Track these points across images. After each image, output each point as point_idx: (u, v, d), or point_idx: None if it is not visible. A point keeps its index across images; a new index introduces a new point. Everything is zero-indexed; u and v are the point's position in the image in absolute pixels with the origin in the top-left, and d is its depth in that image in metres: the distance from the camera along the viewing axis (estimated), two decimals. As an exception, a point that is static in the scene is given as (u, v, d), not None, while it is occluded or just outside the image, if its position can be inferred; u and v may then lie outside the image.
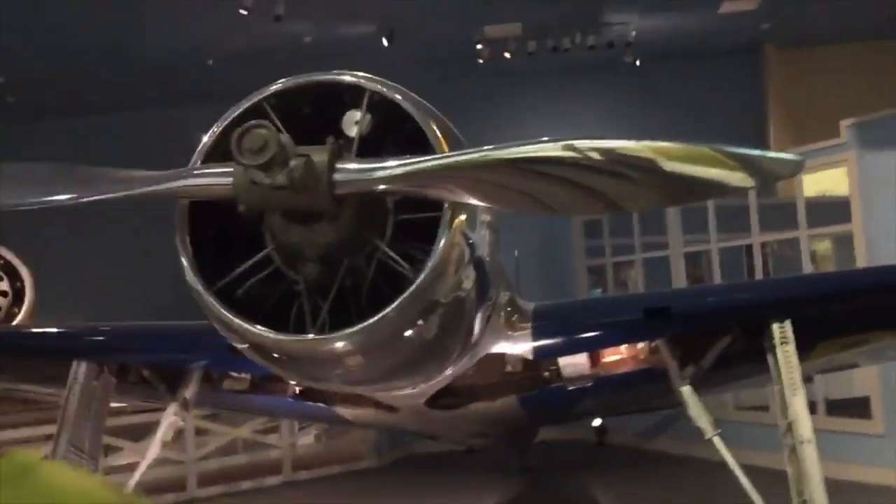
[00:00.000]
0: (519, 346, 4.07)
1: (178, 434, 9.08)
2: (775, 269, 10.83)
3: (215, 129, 2.82)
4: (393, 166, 2.49)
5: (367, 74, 2.95)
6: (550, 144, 2.36)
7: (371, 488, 9.64)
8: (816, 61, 16.71)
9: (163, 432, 4.57)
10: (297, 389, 4.69)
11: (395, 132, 2.82)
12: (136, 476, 4.57)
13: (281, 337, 2.72)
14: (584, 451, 10.65)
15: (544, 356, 4.21)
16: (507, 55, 15.04)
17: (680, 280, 9.90)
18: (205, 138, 2.86)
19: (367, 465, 10.46)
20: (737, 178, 2.17)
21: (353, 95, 2.80)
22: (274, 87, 2.85)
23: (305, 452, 10.32)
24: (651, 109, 16.05)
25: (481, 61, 15.12)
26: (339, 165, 2.52)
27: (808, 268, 8.74)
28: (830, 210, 9.72)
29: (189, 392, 4.63)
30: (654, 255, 10.46)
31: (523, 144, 2.39)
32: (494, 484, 9.19)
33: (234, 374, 4.80)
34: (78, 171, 2.79)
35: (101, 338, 4.83)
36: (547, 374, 4.46)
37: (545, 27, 14.89)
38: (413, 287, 2.64)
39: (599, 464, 9.95)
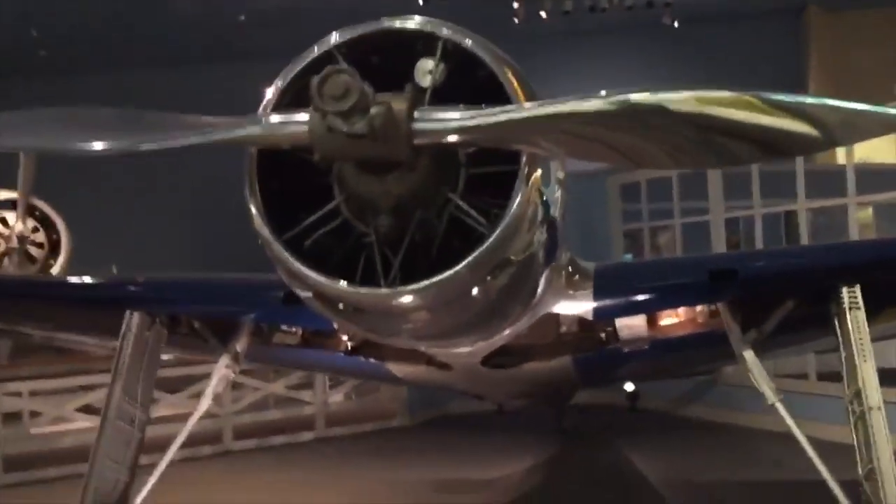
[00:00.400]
0: (579, 306, 4.00)
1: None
2: (815, 237, 10.68)
3: (283, 79, 2.72)
4: (472, 116, 2.40)
5: (439, 21, 2.84)
6: (633, 95, 2.26)
7: (403, 447, 9.67)
8: (858, 26, 16.33)
9: (215, 384, 4.55)
10: (350, 345, 4.65)
11: (467, 81, 2.71)
12: (189, 426, 4.56)
13: (355, 289, 2.65)
14: (617, 415, 10.61)
15: (604, 317, 4.14)
16: (544, 14, 14.78)
17: (720, 247, 9.76)
18: (272, 87, 2.77)
19: (399, 423, 10.49)
20: (826, 133, 2.05)
21: (425, 43, 2.68)
22: (344, 34, 2.73)
23: (338, 409, 10.36)
24: (689, 71, 15.72)
25: (517, 20, 14.88)
26: (417, 114, 2.42)
27: (854, 236, 8.57)
28: (872, 178, 9.53)
29: (240, 345, 4.60)
30: (694, 219, 10.30)
31: (608, 96, 2.30)
32: (528, 445, 9.17)
33: (286, 328, 4.76)
34: (146, 116, 2.72)
35: (154, 289, 4.80)
36: (603, 335, 4.39)
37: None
38: (487, 242, 2.56)
39: (633, 429, 9.91)
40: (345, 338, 4.65)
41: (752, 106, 2.13)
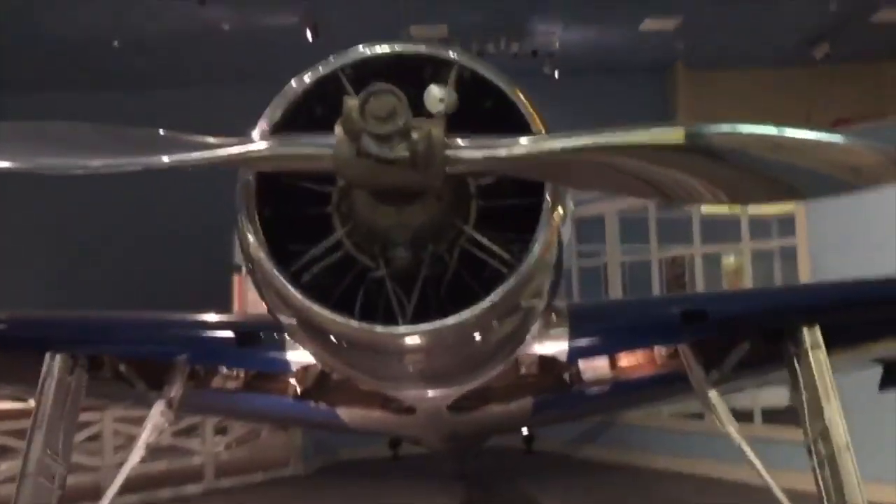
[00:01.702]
0: (554, 346, 3.91)
1: (95, 437, 8.58)
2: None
3: (284, 98, 2.51)
4: (507, 146, 2.27)
5: (452, 48, 2.72)
6: (673, 129, 2.20)
7: (298, 496, 9.23)
8: (723, 83, 17.42)
9: (147, 434, 4.14)
10: (299, 389, 4.35)
11: (474, 108, 2.58)
12: (119, 482, 4.12)
13: (370, 328, 2.44)
14: (513, 458, 10.54)
15: (578, 357, 4.06)
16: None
17: (617, 289, 9.98)
18: (271, 107, 2.55)
19: (293, 471, 10.03)
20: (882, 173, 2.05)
21: (434, 69, 2.55)
22: (351, 56, 2.56)
23: (229, 458, 9.78)
24: (566, 119, 16.14)
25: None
26: (451, 141, 2.27)
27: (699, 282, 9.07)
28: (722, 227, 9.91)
29: (174, 390, 4.22)
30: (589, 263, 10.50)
31: (640, 129, 2.23)
32: (430, 492, 8.96)
33: (225, 370, 4.41)
34: (135, 133, 2.43)
35: (77, 328, 4.33)
36: (567, 376, 4.31)
37: (471, 31, 14.87)
38: (511, 281, 2.43)
39: (533, 471, 9.87)
40: (293, 381, 4.36)
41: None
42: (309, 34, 14.11)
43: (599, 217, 10.03)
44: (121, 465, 8.56)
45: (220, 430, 9.79)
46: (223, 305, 12.18)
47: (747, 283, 9.02)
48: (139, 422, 8.84)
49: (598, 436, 10.39)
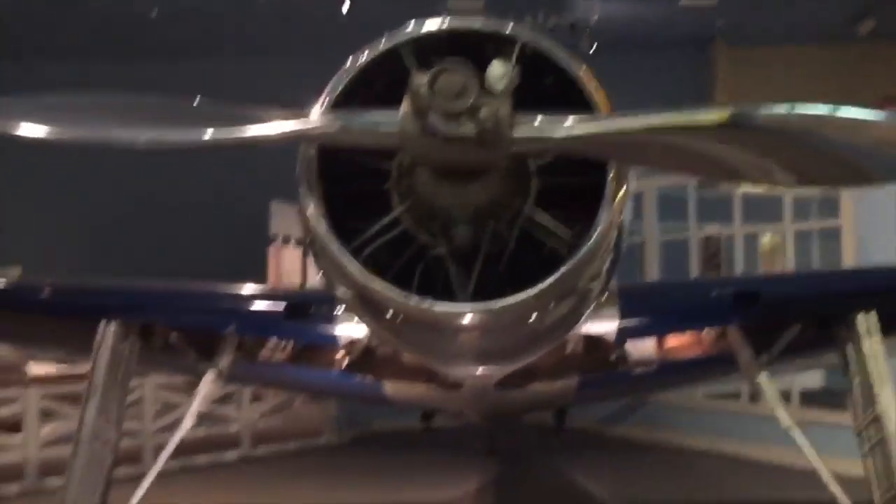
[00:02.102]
0: (603, 326, 3.90)
1: (136, 403, 8.72)
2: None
3: (346, 74, 2.50)
4: (574, 125, 2.25)
5: (515, 23, 2.69)
6: (722, 109, 2.18)
7: (334, 466, 9.34)
8: (764, 61, 17.10)
9: (199, 402, 4.20)
10: (345, 362, 4.38)
11: (535, 85, 2.56)
12: (168, 451, 4.18)
13: (431, 305, 2.45)
14: (544, 435, 10.54)
15: (627, 338, 4.05)
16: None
17: (654, 269, 9.91)
18: (332, 82, 2.54)
19: (327, 441, 10.14)
20: None
21: (497, 45, 2.52)
22: (411, 32, 2.53)
23: (264, 426, 9.90)
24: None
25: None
26: (518, 120, 2.24)
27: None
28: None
29: (224, 360, 4.27)
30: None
31: (702, 111, 2.21)
32: (461, 466, 9.03)
33: (274, 342, 4.45)
34: (197, 106, 2.43)
35: (130, 297, 4.39)
36: (613, 356, 4.30)
37: (509, 3, 14.69)
38: (572, 261, 2.41)
39: (565, 449, 9.86)
40: (339, 355, 4.39)
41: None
42: (345, 5, 14.05)
43: (637, 194, 9.93)
44: (160, 430, 8.81)
45: (256, 399, 9.91)
46: (258, 276, 12.27)
47: (787, 264, 8.93)
48: (179, 388, 9.05)
49: (631, 414, 10.37)
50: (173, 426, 9.06)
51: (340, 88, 2.47)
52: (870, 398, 3.85)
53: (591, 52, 16.02)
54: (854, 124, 2.03)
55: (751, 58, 17.29)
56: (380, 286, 2.45)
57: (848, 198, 8.01)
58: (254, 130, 2.33)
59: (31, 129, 2.26)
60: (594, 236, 2.39)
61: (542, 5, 15.10)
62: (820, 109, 2.08)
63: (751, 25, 16.11)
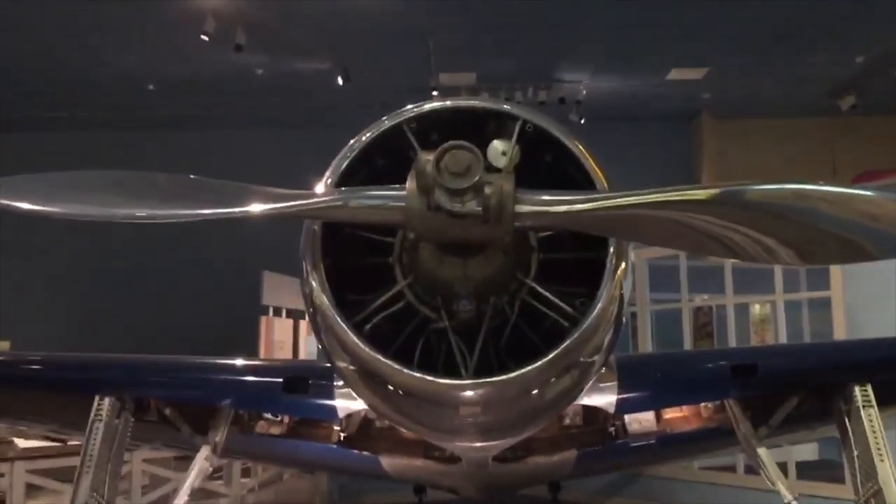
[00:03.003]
0: (602, 399, 3.90)
1: (124, 477, 8.55)
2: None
3: (351, 151, 2.56)
4: (576, 200, 2.29)
5: (515, 103, 2.77)
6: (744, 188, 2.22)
7: (325, 542, 9.13)
8: (748, 133, 17.48)
9: (193, 478, 4.13)
10: (342, 435, 4.35)
11: (538, 163, 2.62)
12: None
13: (434, 380, 2.45)
14: (539, 507, 10.42)
15: (626, 410, 4.04)
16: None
17: (647, 339, 9.91)
18: (338, 159, 2.59)
19: (319, 516, 9.92)
20: None
21: (497, 124, 2.59)
22: (415, 109, 2.61)
23: (255, 501, 9.71)
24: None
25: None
26: (521, 196, 2.29)
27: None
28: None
29: (219, 435, 4.23)
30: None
31: (700, 188, 2.26)
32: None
33: (269, 416, 4.42)
34: (203, 183, 2.48)
35: (125, 371, 4.37)
36: (612, 429, 4.29)
37: (499, 79, 15.05)
38: (574, 335, 2.43)
39: (561, 521, 9.72)
40: (337, 428, 4.36)
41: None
42: (340, 79, 14.34)
43: (629, 265, 9.98)
44: (147, 505, 8.62)
45: (246, 473, 9.74)
46: (249, 347, 12.21)
47: (779, 334, 8.94)
48: (166, 463, 8.90)
49: (626, 486, 10.23)
50: (161, 501, 8.96)
51: (345, 165, 2.52)
52: (870, 470, 3.83)
53: (580, 124, 16.37)
54: (845, 200, 2.08)
55: (736, 130, 17.67)
56: (382, 360, 2.45)
57: (836, 269, 8.07)
58: (259, 207, 2.37)
59: (37, 207, 2.29)
60: (596, 310, 2.41)
61: (531, 80, 15.47)
62: (811, 185, 2.13)
63: (736, 99, 16.53)
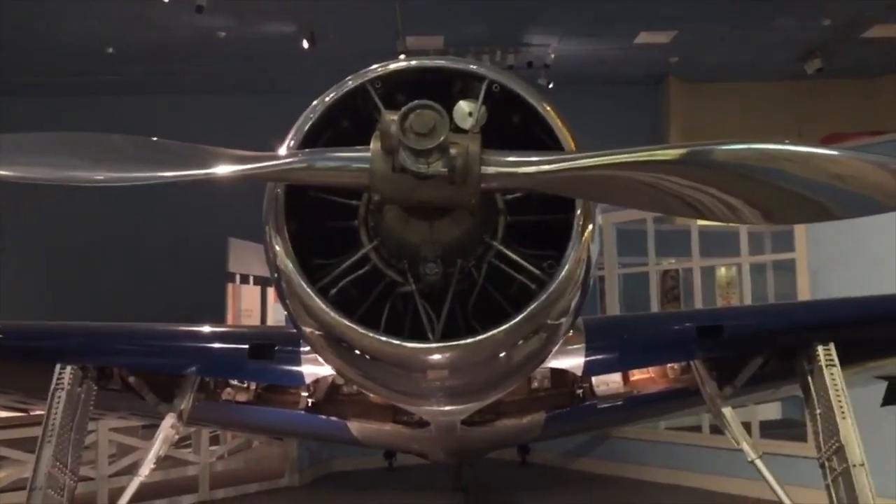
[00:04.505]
0: (570, 361, 3.91)
1: (90, 447, 8.49)
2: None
3: (314, 112, 2.51)
4: (543, 161, 2.27)
5: (483, 62, 2.72)
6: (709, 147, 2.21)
7: (295, 509, 9.17)
8: (716, 96, 17.53)
9: (158, 447, 4.10)
10: (310, 402, 4.33)
11: (502, 124, 2.58)
12: (129, 493, 4.07)
13: (401, 343, 2.43)
14: (509, 470, 10.52)
15: (593, 373, 4.06)
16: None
17: (614, 302, 9.99)
18: (301, 120, 2.54)
19: (288, 482, 9.95)
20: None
21: (464, 84, 2.54)
22: (380, 69, 2.55)
23: (224, 469, 9.69)
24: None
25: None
26: (487, 157, 2.26)
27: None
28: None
29: (185, 402, 4.19)
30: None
31: (674, 147, 2.25)
32: (423, 503, 8.93)
33: (236, 383, 4.38)
34: (166, 145, 2.40)
35: (87, 338, 4.29)
36: (580, 391, 4.31)
37: (467, 43, 14.90)
38: (542, 297, 2.42)
39: (530, 484, 9.84)
40: (304, 394, 4.33)
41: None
42: (305, 43, 14.11)
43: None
44: (115, 475, 8.56)
45: (214, 441, 9.72)
46: (217, 315, 12.12)
47: (745, 296, 9.05)
48: (133, 431, 8.83)
49: (594, 448, 10.37)
50: (129, 470, 8.90)
51: (308, 127, 2.47)
52: (832, 428, 3.89)
53: (548, 88, 16.31)
54: (811, 159, 2.07)
55: (704, 93, 17.69)
56: (348, 324, 2.43)
57: (801, 231, 8.16)
58: (220, 169, 2.31)
59: None
60: (563, 272, 2.40)
61: (500, 44, 15.35)
62: (776, 145, 2.12)
63: (704, 62, 16.54)
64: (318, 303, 2.42)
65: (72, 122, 2.32)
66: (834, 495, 3.90)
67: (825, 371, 3.96)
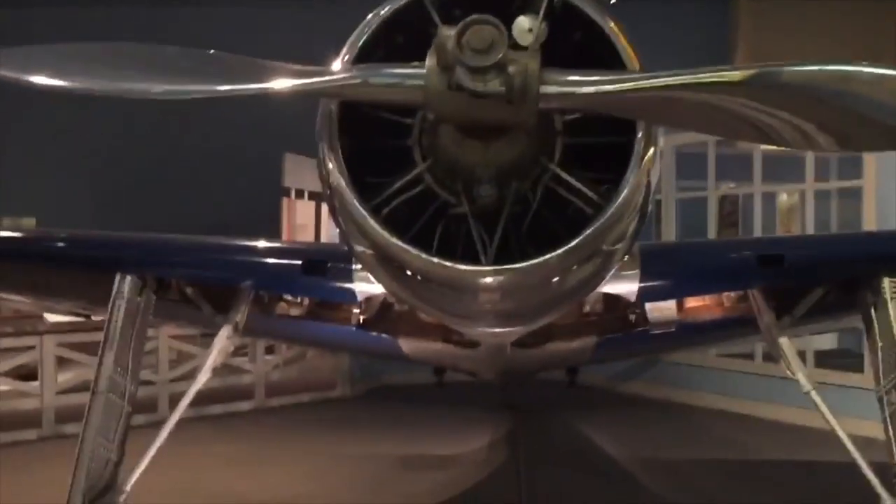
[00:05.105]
0: (624, 287, 3.86)
1: (151, 352, 8.78)
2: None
3: (369, 26, 2.42)
4: (604, 81, 2.17)
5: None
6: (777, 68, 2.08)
7: (348, 419, 9.41)
8: (785, 15, 16.78)
9: (214, 357, 4.19)
10: (361, 318, 4.37)
11: (568, 42, 2.47)
12: (183, 405, 4.21)
13: (453, 266, 2.39)
14: (557, 390, 10.56)
15: (649, 299, 4.01)
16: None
17: (671, 228, 9.83)
18: (354, 36, 2.46)
19: (341, 393, 10.22)
20: None
21: (525, 0, 2.42)
22: None
23: (277, 378, 9.97)
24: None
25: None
26: (546, 76, 2.16)
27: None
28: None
29: (240, 315, 4.26)
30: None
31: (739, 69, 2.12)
32: (476, 421, 9.09)
33: (290, 297, 4.44)
34: (217, 57, 2.36)
35: (146, 250, 4.38)
36: (633, 317, 4.27)
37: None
38: (597, 224, 2.35)
39: (578, 405, 9.90)
40: (356, 311, 4.37)
41: None
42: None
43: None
44: (175, 380, 8.87)
45: (270, 351, 9.97)
46: (272, 229, 12.26)
47: (807, 224, 8.81)
48: (192, 340, 9.10)
49: (643, 372, 10.38)
50: (188, 376, 9.21)
51: (362, 41, 2.40)
52: (893, 363, 3.80)
53: (611, 4, 15.81)
54: (887, 81, 1.95)
55: (772, 11, 16.96)
56: (400, 245, 2.40)
57: (871, 158, 7.86)
58: (275, 84, 2.27)
59: (42, 80, 2.20)
60: (621, 197, 2.33)
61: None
62: (851, 66, 2.00)
63: (774, -22, 15.80)
64: (370, 222, 2.39)
65: (100, 35, 2.28)
66: (892, 429, 3.84)
67: (890, 304, 3.84)
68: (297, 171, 12.52)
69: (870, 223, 7.86)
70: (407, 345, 4.46)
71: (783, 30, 16.65)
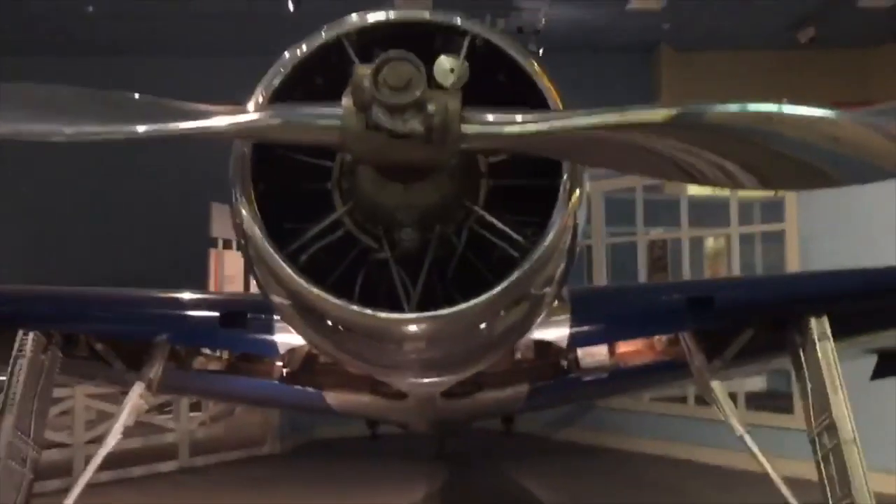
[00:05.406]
0: (555, 333, 3.78)
1: (66, 413, 8.35)
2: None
3: (284, 67, 2.32)
4: (527, 121, 2.10)
5: (463, 15, 2.53)
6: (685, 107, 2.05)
7: (274, 475, 9.07)
8: (707, 65, 17.31)
9: (125, 416, 3.95)
10: (284, 371, 4.19)
11: (488, 82, 2.41)
12: (93, 467, 3.94)
13: (374, 314, 2.27)
14: (492, 439, 10.43)
15: (579, 344, 3.93)
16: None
17: (602, 272, 9.86)
18: (269, 76, 2.35)
19: (270, 450, 9.87)
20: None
21: (445, 38, 2.37)
22: (355, 22, 2.36)
23: (204, 436, 9.58)
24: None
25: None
26: (468, 116, 2.09)
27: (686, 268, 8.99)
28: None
29: (154, 371, 4.04)
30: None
31: (663, 108, 2.08)
32: (410, 472, 8.87)
33: (208, 351, 4.23)
34: (128, 99, 2.20)
35: (52, 304, 4.13)
36: (565, 363, 4.19)
37: (456, 6, 14.56)
38: (525, 265, 2.27)
39: (514, 453, 9.75)
40: (278, 363, 4.19)
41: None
42: (290, 4, 13.78)
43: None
44: (92, 441, 8.43)
45: (195, 408, 9.59)
46: (199, 281, 11.93)
47: (733, 267, 8.94)
48: (111, 398, 8.68)
49: (578, 418, 10.32)
50: (106, 437, 8.78)
51: (278, 82, 2.29)
52: (823, 403, 3.78)
53: (538, 54, 16.09)
54: (807, 122, 1.92)
55: (695, 62, 17.48)
56: (319, 293, 2.28)
57: (792, 201, 8.04)
58: (185, 125, 2.12)
59: None
60: (548, 239, 2.26)
61: (488, 8, 15.03)
62: (772, 106, 1.97)
63: (696, 30, 16.31)
64: (287, 270, 2.27)
65: (45, 82, 2.14)
66: (825, 472, 3.80)
67: (818, 345, 3.84)
68: (225, 221, 12.22)
69: (793, 265, 8.00)
70: (333, 398, 4.29)
71: (704, 79, 17.17)
